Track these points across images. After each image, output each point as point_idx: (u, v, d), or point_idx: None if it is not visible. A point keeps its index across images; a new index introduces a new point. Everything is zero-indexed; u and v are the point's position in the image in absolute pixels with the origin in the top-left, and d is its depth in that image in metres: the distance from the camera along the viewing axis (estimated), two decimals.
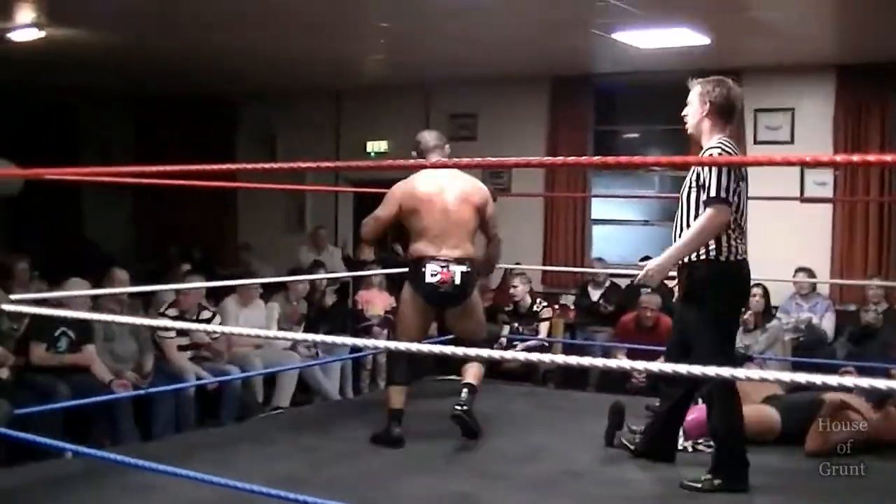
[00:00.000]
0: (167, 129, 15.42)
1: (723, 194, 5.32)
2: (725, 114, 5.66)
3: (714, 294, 5.53)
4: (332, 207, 14.65)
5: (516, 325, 10.91)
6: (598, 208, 13.20)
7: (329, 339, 3.59)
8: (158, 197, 14.90)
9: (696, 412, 6.30)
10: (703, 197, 5.41)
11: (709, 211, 5.34)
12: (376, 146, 14.16)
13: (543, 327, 10.90)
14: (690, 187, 5.55)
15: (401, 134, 13.75)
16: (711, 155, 5.53)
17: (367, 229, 6.81)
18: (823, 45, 10.58)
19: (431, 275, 6.47)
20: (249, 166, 3.94)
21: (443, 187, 6.60)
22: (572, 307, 12.05)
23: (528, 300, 10.91)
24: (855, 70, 11.21)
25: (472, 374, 6.74)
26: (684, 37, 9.88)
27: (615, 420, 6.56)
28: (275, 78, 13.37)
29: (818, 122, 11.46)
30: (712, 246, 5.46)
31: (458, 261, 6.53)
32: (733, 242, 5.50)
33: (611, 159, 3.23)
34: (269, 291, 10.50)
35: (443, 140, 6.88)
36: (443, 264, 6.49)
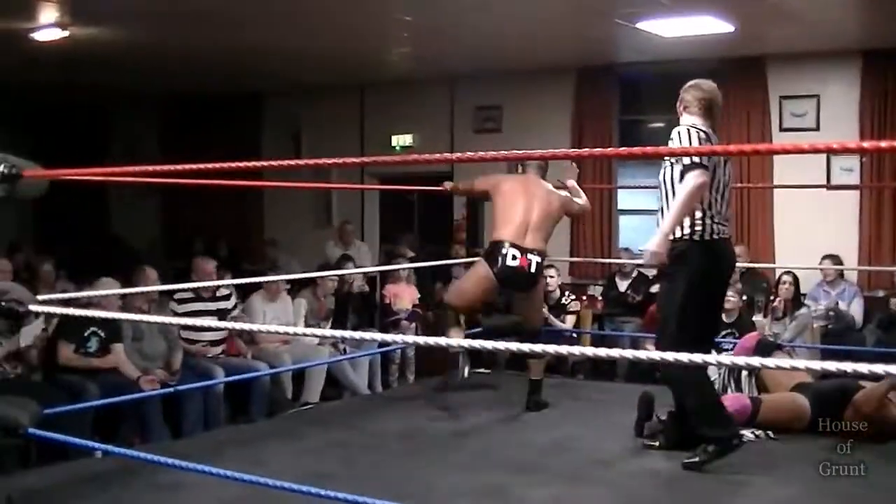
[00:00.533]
0: (193, 127, 15.45)
1: (696, 159, 5.46)
2: (700, 111, 5.86)
3: (681, 271, 5.64)
4: (359, 202, 14.65)
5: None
6: (625, 198, 13.16)
7: (357, 334, 3.58)
8: (185, 194, 14.94)
9: (730, 401, 6.31)
10: (679, 168, 5.56)
11: (687, 176, 5.47)
12: (401, 140, 14.14)
13: (570, 319, 10.89)
14: (665, 167, 5.74)
15: (426, 127, 13.77)
16: (679, 133, 5.71)
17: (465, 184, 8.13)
18: (848, 31, 10.51)
19: (512, 258, 7.09)
20: (275, 163, 3.93)
21: (528, 191, 7.35)
22: (600, 298, 12.01)
23: (557, 292, 10.89)
24: (881, 55, 11.13)
25: (536, 370, 7.64)
26: (708, 25, 9.85)
27: (645, 410, 6.56)
28: (299, 73, 13.38)
29: (844, 109, 11.38)
30: (686, 223, 5.59)
31: (534, 252, 7.17)
32: (707, 221, 5.63)
33: (637, 150, 3.22)
34: (296, 287, 10.52)
35: (545, 164, 7.77)
36: (522, 251, 7.11)
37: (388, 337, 3.67)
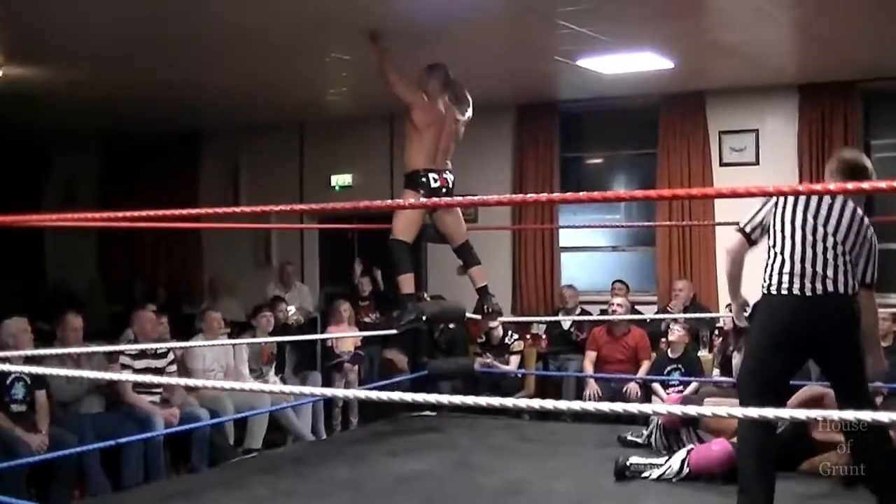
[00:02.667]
0: (131, 165, 15.26)
1: (741, 223, 5.68)
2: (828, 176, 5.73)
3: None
4: (298, 242, 14.53)
5: (488, 356, 10.81)
6: (567, 235, 13.12)
7: (302, 389, 3.50)
8: (123, 235, 14.76)
9: (718, 445, 6.19)
10: None
11: None
12: (340, 180, 14.09)
13: (514, 360, 10.87)
14: None
15: (365, 166, 13.74)
16: None
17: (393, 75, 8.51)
18: (785, 65, 10.57)
19: (434, 180, 7.96)
20: (212, 211, 3.86)
21: (438, 117, 8.19)
22: (544, 336, 11.94)
23: (500, 332, 10.85)
24: (816, 88, 11.20)
25: (480, 276, 8.34)
26: (648, 61, 9.87)
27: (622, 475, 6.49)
28: (237, 112, 13.26)
29: (783, 142, 11.45)
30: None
31: (447, 171, 8.14)
32: (775, 276, 5.57)
33: (577, 194, 3.19)
34: (236, 329, 10.40)
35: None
36: (438, 174, 8.03)
37: (329, 391, 3.59)
